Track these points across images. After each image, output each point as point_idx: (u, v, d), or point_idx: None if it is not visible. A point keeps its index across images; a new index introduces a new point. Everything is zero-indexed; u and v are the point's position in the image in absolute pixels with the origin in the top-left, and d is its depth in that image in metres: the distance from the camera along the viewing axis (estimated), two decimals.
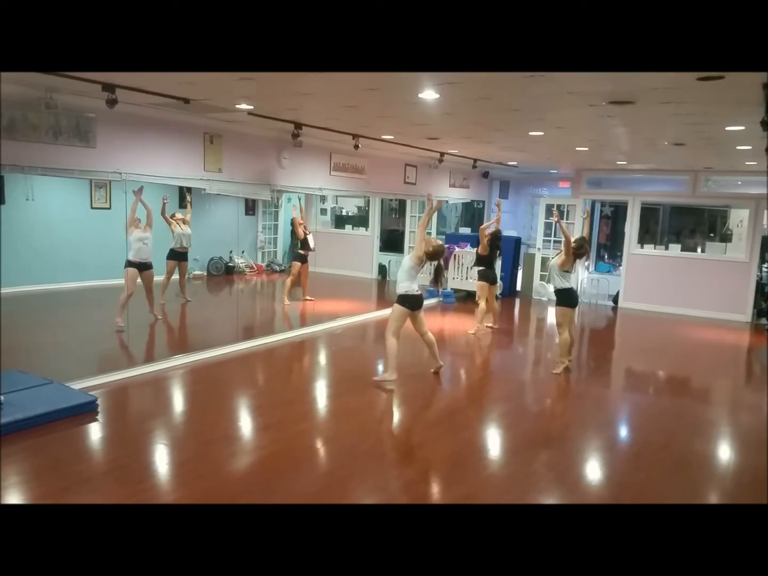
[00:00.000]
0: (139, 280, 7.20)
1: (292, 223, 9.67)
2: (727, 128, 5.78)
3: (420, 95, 4.88)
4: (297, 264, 9.44)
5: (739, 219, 11.08)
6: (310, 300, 9.66)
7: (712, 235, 12.14)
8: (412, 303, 5.75)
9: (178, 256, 8.57)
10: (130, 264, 7.09)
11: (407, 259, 5.83)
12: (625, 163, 10.05)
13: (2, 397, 4.46)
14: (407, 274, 5.74)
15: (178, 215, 8.65)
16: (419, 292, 5.82)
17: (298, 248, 9.53)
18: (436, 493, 3.92)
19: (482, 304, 8.24)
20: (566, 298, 6.47)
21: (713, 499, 4.02)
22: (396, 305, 5.76)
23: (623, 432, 5.22)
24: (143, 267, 7.15)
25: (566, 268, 6.43)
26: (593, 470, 4.32)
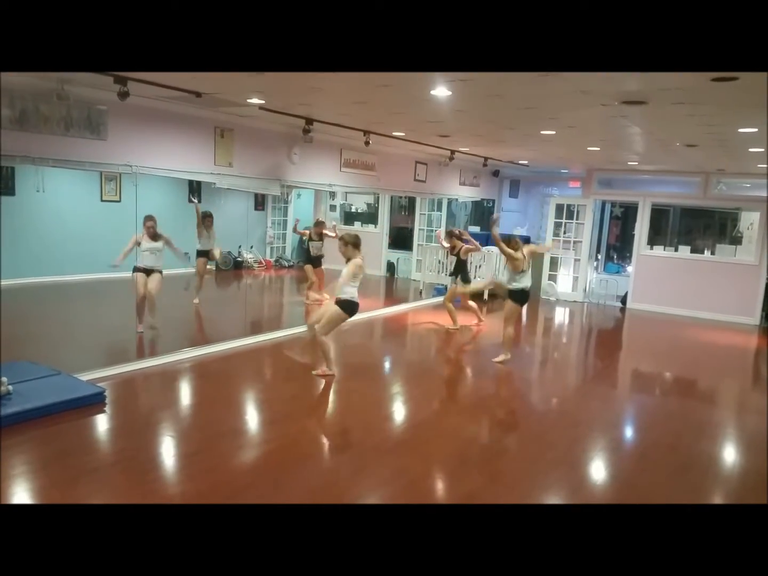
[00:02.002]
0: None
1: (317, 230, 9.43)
2: (740, 130, 5.74)
3: (432, 92, 4.87)
4: (309, 267, 9.24)
5: (749, 221, 11.01)
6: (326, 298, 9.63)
7: (722, 237, 12.06)
8: (352, 310, 5.75)
9: (203, 254, 8.62)
10: (136, 269, 6.96)
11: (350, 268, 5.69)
12: (636, 163, 9.99)
13: (11, 387, 4.49)
14: (352, 281, 5.69)
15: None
16: (358, 301, 5.80)
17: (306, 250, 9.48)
18: (440, 489, 3.92)
19: (450, 305, 8.32)
20: (519, 296, 6.61)
21: (719, 500, 4.00)
22: (338, 309, 5.68)
23: (630, 432, 5.20)
24: (148, 271, 7.05)
25: (519, 270, 6.52)
26: (599, 470, 4.31)
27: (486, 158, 10.84)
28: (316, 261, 9.20)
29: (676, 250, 11.16)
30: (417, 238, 12.44)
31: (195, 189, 10.93)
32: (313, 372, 5.87)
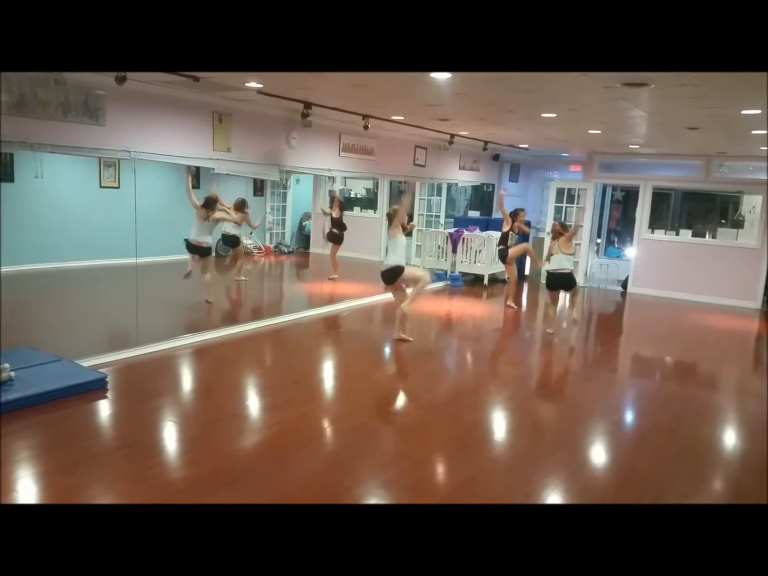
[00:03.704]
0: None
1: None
2: (743, 112, 5.70)
3: (432, 74, 4.82)
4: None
5: (751, 205, 10.97)
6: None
7: (723, 221, 12.03)
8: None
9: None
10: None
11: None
12: (637, 147, 9.94)
13: (13, 374, 4.50)
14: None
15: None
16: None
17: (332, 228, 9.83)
18: (441, 473, 3.94)
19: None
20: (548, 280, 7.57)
21: (718, 483, 4.02)
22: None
23: (630, 416, 5.22)
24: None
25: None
26: (599, 453, 4.33)
27: (486, 142, 10.77)
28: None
29: (678, 234, 11.14)
30: (417, 224, 12.39)
31: (194, 175, 10.90)
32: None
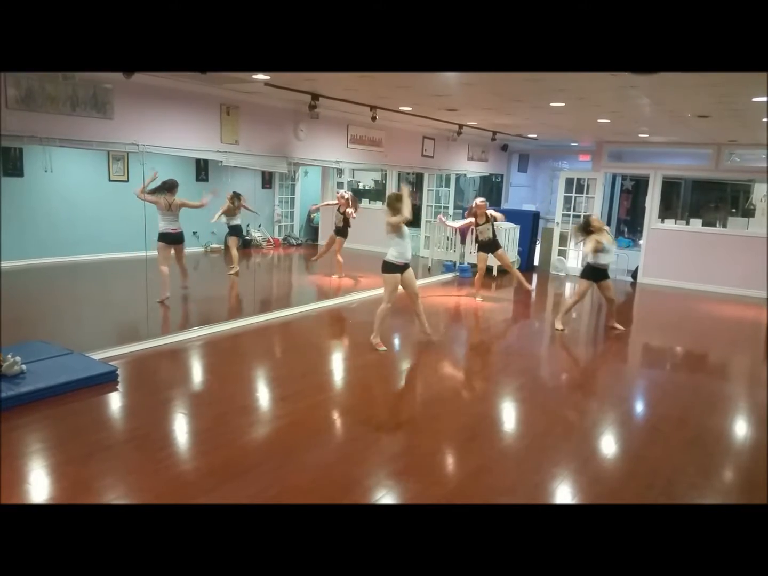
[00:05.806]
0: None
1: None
2: (754, 99, 5.63)
3: None
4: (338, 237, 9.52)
5: (762, 194, 10.86)
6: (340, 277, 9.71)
7: (734, 210, 11.92)
8: (388, 269, 5.99)
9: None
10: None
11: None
12: (647, 135, 9.86)
13: (24, 367, 4.54)
14: (393, 239, 5.93)
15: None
16: (397, 261, 5.97)
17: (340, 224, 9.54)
18: (450, 464, 3.95)
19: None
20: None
21: (728, 474, 4.01)
22: (383, 273, 6.00)
23: (640, 406, 5.20)
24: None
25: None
26: (609, 443, 4.32)
27: (494, 132, 10.71)
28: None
29: (688, 223, 11.05)
30: (425, 215, 12.37)
31: (203, 168, 10.94)
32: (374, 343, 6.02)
